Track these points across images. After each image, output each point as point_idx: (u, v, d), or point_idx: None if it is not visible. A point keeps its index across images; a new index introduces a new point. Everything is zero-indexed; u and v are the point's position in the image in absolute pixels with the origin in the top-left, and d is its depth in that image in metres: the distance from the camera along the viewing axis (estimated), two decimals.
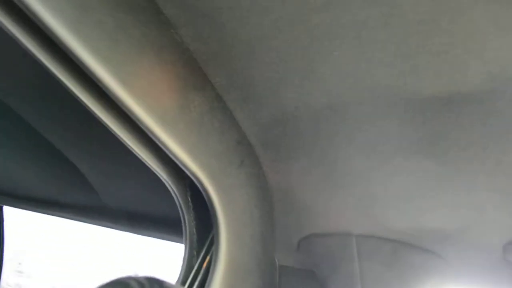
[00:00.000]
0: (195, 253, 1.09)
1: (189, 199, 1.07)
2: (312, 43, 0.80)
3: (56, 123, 1.35)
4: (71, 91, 0.82)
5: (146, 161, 0.98)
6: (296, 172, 1.12)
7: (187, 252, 1.08)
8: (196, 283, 1.05)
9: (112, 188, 1.55)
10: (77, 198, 1.79)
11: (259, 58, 0.87)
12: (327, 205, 1.14)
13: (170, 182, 1.03)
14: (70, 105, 1.17)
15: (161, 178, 1.03)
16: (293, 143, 1.04)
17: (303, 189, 1.15)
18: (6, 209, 2.61)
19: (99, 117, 0.87)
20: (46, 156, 1.60)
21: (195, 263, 1.07)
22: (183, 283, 1.04)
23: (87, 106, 0.85)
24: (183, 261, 1.08)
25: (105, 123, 0.88)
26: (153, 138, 0.87)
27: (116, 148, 1.27)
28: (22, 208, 2.17)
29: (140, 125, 0.84)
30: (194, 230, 1.08)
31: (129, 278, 0.70)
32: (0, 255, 2.70)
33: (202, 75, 0.94)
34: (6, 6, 0.71)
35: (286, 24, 0.78)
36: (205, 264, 1.07)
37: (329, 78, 0.86)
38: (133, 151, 0.95)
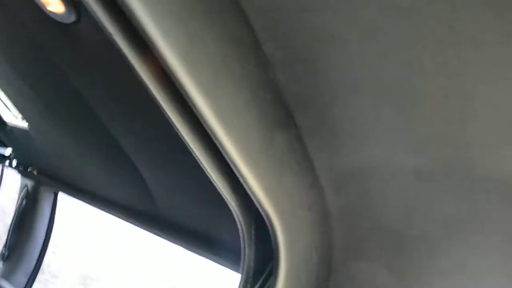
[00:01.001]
0: (249, 286, 1.08)
1: (253, 232, 1.07)
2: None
3: (132, 132, 1.40)
4: (164, 110, 0.85)
5: (219, 186, 0.99)
6: (362, 225, 1.10)
7: (242, 283, 1.08)
8: None
9: (172, 200, 1.58)
10: (135, 202, 1.84)
11: (351, 108, 0.87)
12: None
13: (238, 212, 1.03)
14: (153, 121, 1.21)
15: (229, 206, 1.04)
16: (367, 196, 1.02)
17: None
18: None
19: (183, 137, 0.89)
20: (115, 158, 1.66)
21: None
22: None
23: (175, 126, 0.87)
24: None
25: (188, 144, 0.90)
26: (234, 168, 0.88)
27: (186, 165, 1.30)
28: (82, 200, 2.26)
29: (224, 154, 0.86)
30: (252, 263, 1.08)
31: None
32: (47, 237, 2.81)
33: (289, 114, 0.95)
34: (127, 32, 0.75)
35: (384, 77, 0.78)
36: None
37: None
38: (208, 175, 0.97)
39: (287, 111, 0.94)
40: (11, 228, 2.77)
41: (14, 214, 2.80)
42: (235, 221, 1.10)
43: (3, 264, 2.74)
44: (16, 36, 1.45)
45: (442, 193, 0.91)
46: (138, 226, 1.87)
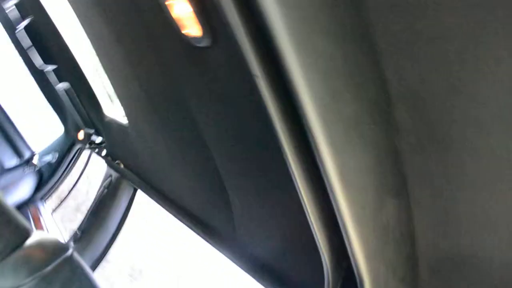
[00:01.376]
0: None
1: None
2: None
3: (233, 157, 1.43)
4: (284, 151, 0.86)
5: (317, 236, 0.98)
6: None
7: None
8: None
9: (255, 232, 1.58)
10: (214, 221, 1.88)
11: (475, 199, 0.83)
12: None
13: (328, 266, 1.02)
14: (260, 152, 1.23)
15: (322, 257, 1.02)
16: (462, 284, 0.97)
17: None
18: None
19: (296, 181, 0.90)
20: (206, 174, 1.70)
21: None
22: None
23: (292, 170, 0.88)
24: None
25: (299, 189, 0.91)
26: (341, 226, 0.87)
27: (283, 204, 1.30)
28: (159, 204, 2.34)
29: (336, 211, 0.85)
30: None
31: None
32: (118, 229, 2.94)
33: (403, 183, 0.92)
34: (270, 72, 0.77)
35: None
36: None
37: None
38: (310, 223, 0.96)
39: (403, 179, 0.92)
40: (88, 212, 2.94)
41: (94, 200, 2.97)
42: (319, 270, 1.09)
43: (73, 245, 2.91)
44: (143, 47, 1.54)
45: None
46: (212, 244, 1.90)
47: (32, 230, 1.40)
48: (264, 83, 0.77)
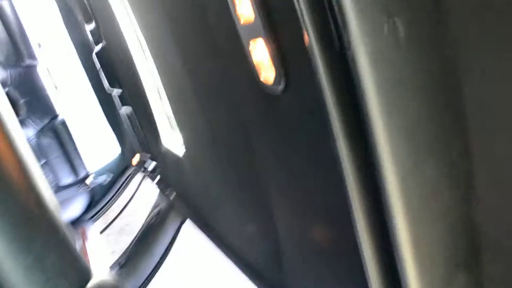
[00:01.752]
0: None
1: None
2: None
3: (293, 202, 1.39)
4: (353, 205, 0.81)
5: None
6: None
7: None
8: None
9: (305, 276, 1.51)
10: (260, 262, 1.82)
11: None
12: None
13: None
14: (321, 200, 1.18)
15: None
16: None
17: None
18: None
19: (361, 233, 0.83)
20: (260, 215, 1.66)
21: None
22: None
23: (359, 231, 0.82)
24: None
25: (364, 245, 0.84)
26: None
27: (341, 256, 1.23)
28: (207, 236, 2.32)
29: (403, 277, 0.78)
30: None
31: None
32: (163, 259, 2.92)
33: (475, 256, 0.83)
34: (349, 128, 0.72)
35: None
36: None
37: None
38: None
39: (476, 253, 0.83)
40: (135, 239, 2.94)
41: (142, 227, 2.98)
42: None
43: (116, 270, 2.91)
44: (215, 84, 1.55)
45: None
46: (255, 284, 1.84)
47: (92, 273, 1.41)
48: (342, 139, 0.72)
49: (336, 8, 0.65)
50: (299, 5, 0.72)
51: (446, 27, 0.64)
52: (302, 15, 0.72)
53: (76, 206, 4.12)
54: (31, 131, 3.98)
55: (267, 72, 1.11)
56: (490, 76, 0.63)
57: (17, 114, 3.85)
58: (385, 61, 0.65)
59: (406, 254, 0.76)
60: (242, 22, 1.11)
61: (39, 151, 4.02)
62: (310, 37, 0.72)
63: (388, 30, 0.64)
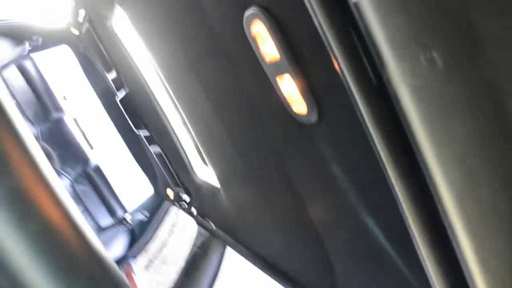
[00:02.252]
0: None
1: None
2: None
3: (336, 224, 1.42)
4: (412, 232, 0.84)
5: None
6: None
7: None
8: None
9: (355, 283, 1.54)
10: (312, 283, 1.85)
11: None
12: None
13: None
14: (363, 219, 1.21)
15: None
16: None
17: None
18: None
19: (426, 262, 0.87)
20: (303, 235, 1.70)
21: None
22: None
23: (421, 253, 0.85)
24: None
25: (428, 267, 0.87)
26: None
27: (397, 274, 1.26)
28: (250, 261, 2.36)
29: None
30: None
31: None
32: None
33: None
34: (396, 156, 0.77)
35: None
36: None
37: None
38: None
39: None
40: (182, 271, 3.01)
41: (186, 260, 3.06)
42: None
43: None
44: (245, 119, 1.61)
45: None
46: None
47: None
48: (390, 167, 0.77)
49: (370, 46, 0.68)
50: (328, 41, 0.76)
51: (483, 53, 0.67)
52: (332, 50, 0.76)
53: (118, 246, 4.22)
54: (66, 182, 4.12)
55: (298, 104, 1.17)
56: None
57: (52, 167, 3.99)
58: (427, 94, 0.69)
59: (475, 274, 0.78)
60: (267, 60, 1.17)
61: (76, 200, 4.16)
62: (343, 73, 0.76)
63: (426, 63, 0.68)
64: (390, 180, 0.79)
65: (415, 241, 0.83)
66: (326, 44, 0.77)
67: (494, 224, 0.79)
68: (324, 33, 0.76)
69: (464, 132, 0.72)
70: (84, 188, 4.17)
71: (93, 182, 4.20)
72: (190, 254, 3.06)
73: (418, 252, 0.87)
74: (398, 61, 0.64)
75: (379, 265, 1.38)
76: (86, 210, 4.19)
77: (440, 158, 0.69)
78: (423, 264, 0.88)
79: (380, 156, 0.78)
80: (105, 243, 4.23)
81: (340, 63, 0.76)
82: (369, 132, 0.76)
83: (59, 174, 4.05)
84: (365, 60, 0.74)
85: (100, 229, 4.26)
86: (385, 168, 0.79)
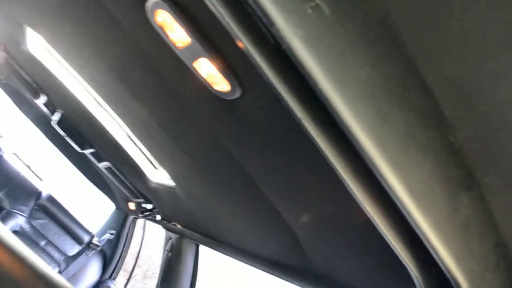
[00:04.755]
0: None
1: None
2: None
3: (287, 194, 1.45)
4: (344, 180, 0.87)
5: (398, 253, 0.97)
6: None
7: None
8: None
9: (327, 256, 1.58)
10: (284, 256, 1.88)
11: None
12: None
13: (419, 278, 1.00)
14: (313, 183, 1.24)
15: (411, 272, 1.01)
16: None
17: None
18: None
19: (365, 208, 0.90)
20: (264, 215, 1.72)
21: None
22: None
23: (356, 195, 0.88)
24: None
25: (370, 214, 0.91)
26: (422, 237, 0.86)
27: (349, 224, 1.30)
28: (225, 254, 2.36)
29: (412, 223, 0.85)
30: None
31: None
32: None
33: (470, 175, 0.91)
34: (310, 110, 0.79)
35: None
36: None
37: None
38: (389, 241, 0.96)
39: (469, 172, 0.90)
40: (159, 281, 2.98)
41: (161, 266, 3.02)
42: (405, 282, 1.07)
43: None
44: (176, 112, 1.60)
45: None
46: (287, 280, 1.90)
47: None
48: (309, 124, 0.79)
49: (256, 9, 0.69)
50: (222, 16, 0.76)
51: None
52: (228, 24, 0.76)
53: (92, 271, 4.12)
54: (21, 219, 3.96)
55: (220, 83, 1.17)
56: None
57: (1, 209, 3.83)
58: (320, 41, 0.71)
59: (404, 199, 0.79)
60: (180, 46, 1.15)
61: (37, 235, 4.01)
62: (246, 43, 0.77)
63: (311, 11, 0.69)
64: (312, 136, 0.80)
65: (348, 187, 0.86)
66: (221, 20, 0.77)
67: (417, 154, 0.83)
68: (217, 11, 0.75)
69: (368, 72, 0.75)
70: (42, 222, 4.03)
71: (50, 214, 4.05)
72: (164, 260, 3.02)
73: (353, 193, 0.89)
74: (284, 15, 0.64)
75: (337, 231, 1.42)
76: (50, 243, 4.05)
77: (348, 100, 0.71)
78: (365, 210, 0.91)
79: (298, 117, 0.79)
80: (78, 271, 4.12)
81: (240, 36, 0.76)
82: (280, 95, 0.78)
83: (11, 213, 3.88)
84: (261, 26, 0.74)
85: (69, 259, 4.13)
86: (305, 126, 0.81)
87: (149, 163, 2.78)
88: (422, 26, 0.74)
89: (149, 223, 4.08)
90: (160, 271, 3.00)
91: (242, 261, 2.22)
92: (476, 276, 0.94)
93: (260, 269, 2.07)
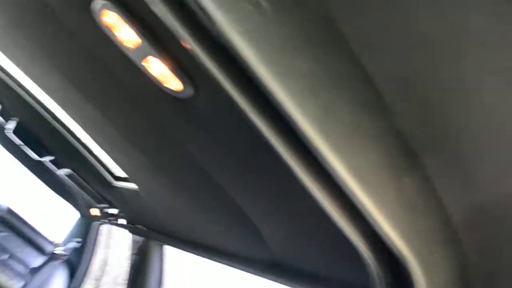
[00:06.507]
0: None
1: (388, 276, 1.07)
2: None
3: (247, 188, 1.47)
4: (297, 171, 0.90)
5: (349, 234, 1.02)
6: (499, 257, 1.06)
7: None
8: None
9: (288, 246, 1.61)
10: (249, 250, 1.90)
11: (483, 147, 0.86)
12: None
13: (371, 258, 1.05)
14: (271, 178, 1.27)
15: (362, 253, 1.05)
16: (504, 229, 1.00)
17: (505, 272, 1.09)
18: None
19: (317, 195, 0.93)
20: (227, 212, 1.74)
21: None
22: None
23: (307, 185, 0.92)
24: None
25: (319, 198, 0.94)
26: (369, 218, 0.91)
27: (304, 212, 1.34)
28: (191, 252, 2.37)
29: (359, 206, 0.89)
30: None
31: None
32: None
33: (414, 157, 0.96)
34: (257, 104, 0.82)
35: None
36: None
37: None
38: (339, 224, 1.00)
39: (414, 155, 0.96)
40: (128, 282, 2.95)
41: (129, 270, 2.99)
42: (360, 263, 1.12)
43: None
44: (129, 112, 1.60)
45: None
46: (253, 273, 1.92)
47: None
48: (257, 118, 0.81)
49: (196, 8, 0.70)
50: (165, 16, 0.77)
51: None
52: (171, 23, 0.77)
53: (59, 281, 4.02)
54: None
55: (172, 82, 1.18)
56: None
57: None
58: (259, 36, 0.73)
59: (352, 185, 0.84)
60: (129, 46, 1.15)
61: None
62: (188, 41, 0.78)
63: (251, 8, 0.71)
64: (259, 128, 0.83)
65: (297, 176, 0.89)
66: (164, 20, 0.78)
67: (361, 140, 0.87)
68: (159, 11, 0.77)
69: (310, 66, 0.78)
70: (2, 235, 3.89)
71: (10, 226, 3.92)
72: (131, 264, 2.99)
73: (303, 182, 0.93)
74: (224, 12, 0.66)
75: (293, 221, 1.46)
76: (12, 256, 3.92)
77: (292, 93, 0.74)
78: (317, 197, 0.95)
79: (245, 111, 0.82)
80: (44, 283, 4.01)
81: (184, 34, 0.78)
82: (227, 91, 0.80)
83: None
84: (203, 24, 0.76)
85: (33, 271, 4.01)
86: (252, 119, 0.83)
87: (111, 166, 2.74)
88: (362, 20, 0.78)
89: (115, 230, 4.02)
90: (128, 275, 2.97)
91: (206, 258, 2.23)
92: (424, 252, 1.00)
93: (225, 263, 2.09)
